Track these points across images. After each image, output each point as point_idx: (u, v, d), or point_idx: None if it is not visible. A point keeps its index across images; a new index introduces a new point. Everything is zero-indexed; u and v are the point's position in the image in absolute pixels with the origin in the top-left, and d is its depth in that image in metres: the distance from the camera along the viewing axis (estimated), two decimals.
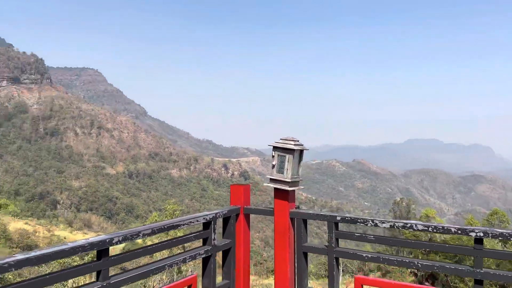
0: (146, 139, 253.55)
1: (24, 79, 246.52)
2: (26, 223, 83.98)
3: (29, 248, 63.88)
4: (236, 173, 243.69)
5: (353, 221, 3.02)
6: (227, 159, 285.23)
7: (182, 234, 3.09)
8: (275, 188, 3.21)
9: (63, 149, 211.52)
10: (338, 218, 3.04)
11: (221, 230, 3.44)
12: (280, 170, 3.13)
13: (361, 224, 3.01)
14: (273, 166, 3.20)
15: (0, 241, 63.58)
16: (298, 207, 3.35)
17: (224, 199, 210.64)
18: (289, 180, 3.07)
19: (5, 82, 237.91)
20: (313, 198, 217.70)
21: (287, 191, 3.14)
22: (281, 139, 3.17)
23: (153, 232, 2.60)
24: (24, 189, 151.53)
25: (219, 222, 3.38)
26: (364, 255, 2.99)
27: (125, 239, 2.36)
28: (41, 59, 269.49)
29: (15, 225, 76.56)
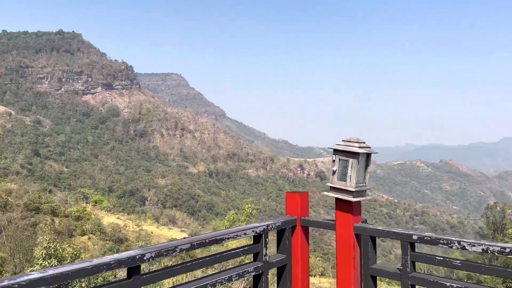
0: (225, 139, 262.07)
1: (116, 85, 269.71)
2: (117, 218, 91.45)
3: (120, 241, 69.37)
4: (312, 173, 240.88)
5: (434, 241, 2.42)
6: (303, 159, 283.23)
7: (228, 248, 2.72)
8: (336, 199, 2.76)
9: (150, 150, 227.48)
10: (415, 237, 2.46)
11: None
12: (343, 177, 2.68)
13: (444, 246, 2.41)
14: (334, 172, 2.78)
15: (95, 234, 70.03)
16: (364, 221, 2.86)
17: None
18: (353, 189, 2.59)
19: (99, 88, 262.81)
20: (395, 200, 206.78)
21: (350, 202, 2.64)
22: (343, 140, 2.71)
23: (192, 246, 2.29)
24: (117, 186, 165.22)
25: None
26: (448, 284, 2.34)
27: (159, 254, 2.12)
28: (131, 66, 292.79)
29: (108, 220, 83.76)
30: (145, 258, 2.03)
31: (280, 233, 2.85)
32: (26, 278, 1.59)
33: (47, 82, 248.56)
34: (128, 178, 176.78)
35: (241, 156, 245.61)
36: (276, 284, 2.86)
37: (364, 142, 2.70)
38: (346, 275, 2.59)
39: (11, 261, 23.19)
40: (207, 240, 2.34)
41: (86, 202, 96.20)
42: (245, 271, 2.52)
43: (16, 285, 1.57)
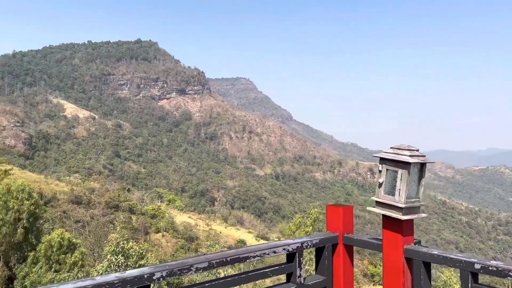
0: (291, 142, 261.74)
1: (189, 90, 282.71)
2: (189, 217, 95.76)
3: (191, 239, 72.31)
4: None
5: (502, 273, 1.91)
6: (373, 163, 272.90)
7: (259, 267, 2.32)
8: (383, 216, 2.30)
9: (220, 152, 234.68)
10: (478, 266, 1.98)
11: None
12: (391, 190, 2.22)
13: None
14: (380, 184, 2.33)
15: (169, 232, 73.89)
16: (418, 243, 2.30)
17: (370, 205, 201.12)
18: (403, 206, 2.12)
19: (174, 93, 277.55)
20: (476, 209, 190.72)
21: (400, 220, 2.16)
22: (392, 147, 2.27)
23: (211, 265, 2.00)
24: (188, 187, 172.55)
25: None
26: None
27: (171, 274, 1.87)
28: (203, 72, 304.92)
29: (181, 218, 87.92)
30: (154, 277, 1.78)
31: (319, 251, 2.48)
32: None
33: (126, 88, 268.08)
34: (199, 179, 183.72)
35: (307, 159, 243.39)
36: None
37: (417, 150, 2.23)
38: None
39: (91, 255, 25.10)
40: (228, 259, 2.03)
41: (161, 201, 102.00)
42: None
43: None
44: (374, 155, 2.41)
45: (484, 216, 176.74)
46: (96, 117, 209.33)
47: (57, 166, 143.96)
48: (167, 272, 1.87)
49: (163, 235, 71.19)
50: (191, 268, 1.97)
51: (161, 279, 1.83)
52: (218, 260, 2.03)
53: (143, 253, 17.26)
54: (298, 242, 2.35)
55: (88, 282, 1.69)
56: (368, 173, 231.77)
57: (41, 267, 17.51)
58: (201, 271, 2.01)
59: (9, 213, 18.34)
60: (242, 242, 70.67)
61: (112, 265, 14.83)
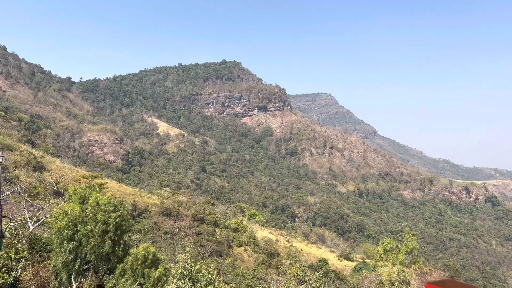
0: (375, 158, 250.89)
1: (270, 107, 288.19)
2: (270, 232, 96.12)
3: (272, 255, 72.21)
4: (480, 197, 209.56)
5: None
6: (469, 181, 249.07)
7: None
8: None
9: (300, 168, 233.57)
10: None
11: None
12: None
13: None
14: None
15: (250, 246, 74.85)
16: None
17: (465, 227, 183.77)
18: None
19: (256, 110, 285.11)
20: None
21: None
22: None
23: None
24: (269, 202, 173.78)
25: None
26: None
27: None
28: (283, 89, 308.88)
29: (262, 233, 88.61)
30: None
31: None
32: None
33: (212, 106, 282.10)
34: (279, 195, 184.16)
35: (394, 176, 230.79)
36: None
37: None
38: None
39: (174, 268, 25.82)
40: None
41: (243, 216, 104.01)
42: None
43: None
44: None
45: None
46: (185, 134, 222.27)
47: (150, 180, 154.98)
48: None
49: (245, 249, 72.35)
50: None
51: None
52: None
53: (212, 277, 16.96)
54: None
55: None
56: (463, 192, 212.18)
57: (127, 280, 18.29)
58: None
59: (97, 225, 19.48)
60: (323, 262, 68.63)
61: None
